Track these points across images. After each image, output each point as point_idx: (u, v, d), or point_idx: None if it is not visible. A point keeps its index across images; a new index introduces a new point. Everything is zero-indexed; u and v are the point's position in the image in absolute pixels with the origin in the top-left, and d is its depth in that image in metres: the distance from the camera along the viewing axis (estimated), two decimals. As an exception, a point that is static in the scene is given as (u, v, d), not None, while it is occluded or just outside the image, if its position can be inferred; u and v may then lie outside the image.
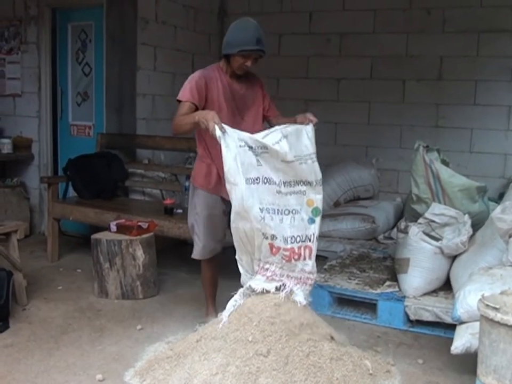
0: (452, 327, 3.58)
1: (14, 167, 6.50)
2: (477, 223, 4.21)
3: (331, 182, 6.27)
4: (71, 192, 5.73)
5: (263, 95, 3.85)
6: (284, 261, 3.15)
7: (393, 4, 6.49)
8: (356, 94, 6.72)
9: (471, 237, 4.09)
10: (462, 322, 3.35)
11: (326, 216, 6.03)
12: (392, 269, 4.68)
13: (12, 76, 6.55)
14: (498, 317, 2.74)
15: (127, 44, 5.88)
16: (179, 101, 3.58)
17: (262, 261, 3.15)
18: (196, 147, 3.85)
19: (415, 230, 4.24)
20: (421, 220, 4.41)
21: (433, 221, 4.35)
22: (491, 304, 2.82)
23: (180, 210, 5.08)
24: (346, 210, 6.09)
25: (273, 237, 3.11)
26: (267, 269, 3.16)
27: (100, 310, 4.29)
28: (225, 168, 3.08)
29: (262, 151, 3.16)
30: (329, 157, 6.43)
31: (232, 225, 3.16)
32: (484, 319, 2.83)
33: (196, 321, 3.99)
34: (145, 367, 3.09)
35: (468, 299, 3.31)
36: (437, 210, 4.37)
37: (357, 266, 4.89)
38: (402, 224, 4.56)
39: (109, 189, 5.67)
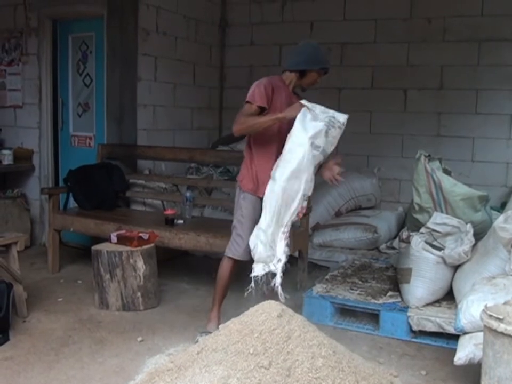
0: (455, 338, 3.56)
1: (15, 178, 6.49)
2: (480, 232, 4.19)
3: (332, 192, 6.25)
4: (72, 203, 5.71)
5: None
6: (296, 218, 3.61)
7: (393, 13, 6.49)
8: (357, 104, 6.71)
9: (474, 247, 4.07)
10: (465, 333, 3.33)
11: (328, 225, 6.03)
12: (394, 279, 4.66)
13: (12, 87, 6.55)
14: (501, 327, 2.71)
15: (128, 54, 5.88)
16: (247, 102, 3.70)
17: (287, 226, 3.55)
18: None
19: (417, 240, 4.23)
20: (423, 230, 4.39)
21: (435, 231, 4.33)
22: (494, 315, 2.80)
23: (180, 221, 5.06)
24: (348, 220, 6.07)
25: (305, 197, 3.53)
26: (287, 231, 3.57)
27: (100, 322, 4.26)
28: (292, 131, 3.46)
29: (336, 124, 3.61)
30: (330, 166, 6.40)
31: (282, 183, 3.46)
32: (487, 329, 2.81)
33: (197, 332, 3.97)
34: (146, 380, 3.05)
35: (471, 309, 3.29)
36: (439, 220, 4.35)
37: (359, 276, 4.86)
38: (404, 234, 4.54)
39: (109, 200, 5.65)
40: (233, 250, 3.88)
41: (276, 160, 3.63)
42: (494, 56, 6.10)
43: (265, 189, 3.66)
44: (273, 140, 3.77)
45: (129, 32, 5.87)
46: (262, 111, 3.69)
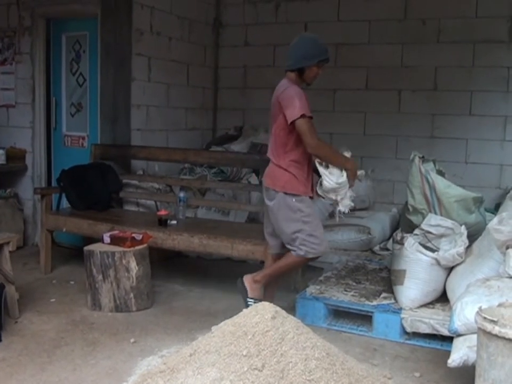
0: (449, 340, 3.56)
1: (8, 178, 6.44)
2: (474, 234, 4.18)
3: (327, 193, 6.23)
4: (65, 203, 5.69)
5: None
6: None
7: (388, 14, 6.49)
8: (352, 105, 6.72)
9: (468, 248, 4.06)
10: (459, 335, 3.31)
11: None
12: (388, 280, 4.65)
13: (5, 87, 6.51)
14: (496, 329, 2.70)
15: (122, 54, 5.86)
16: (303, 116, 3.68)
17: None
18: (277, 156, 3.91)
19: (411, 241, 4.22)
20: (417, 231, 4.38)
21: (430, 232, 4.33)
22: (488, 317, 2.79)
23: (174, 222, 5.04)
24: (341, 221, 6.05)
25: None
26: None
27: (93, 323, 4.24)
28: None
29: None
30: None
31: None
32: (482, 332, 2.80)
33: (191, 334, 3.95)
34: (138, 382, 3.03)
35: (465, 311, 3.27)
36: (433, 221, 4.35)
37: (352, 277, 4.86)
38: (398, 235, 4.53)
39: (103, 200, 5.62)
40: (312, 251, 3.83)
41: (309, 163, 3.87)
42: (489, 58, 6.11)
43: (311, 189, 3.89)
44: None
45: (123, 32, 5.85)
46: None
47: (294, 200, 3.81)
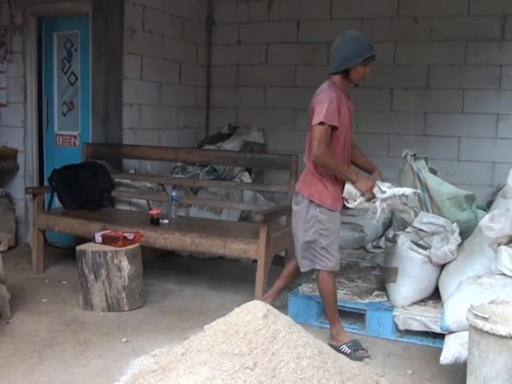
0: (441, 337, 3.56)
1: (-1, 178, 6.43)
2: (466, 232, 4.19)
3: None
4: (57, 203, 5.66)
5: None
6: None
7: (380, 13, 6.48)
8: (344, 103, 6.70)
9: (460, 246, 4.07)
10: (451, 332, 3.32)
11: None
12: (380, 278, 4.66)
13: (-3, 86, 6.49)
14: (487, 327, 2.71)
15: (113, 53, 5.84)
16: (322, 123, 3.61)
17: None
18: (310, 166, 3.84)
19: (403, 239, 4.22)
20: (409, 229, 4.38)
21: (422, 230, 4.33)
22: (480, 314, 2.80)
23: (166, 221, 5.02)
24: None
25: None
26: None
27: (84, 323, 4.22)
28: None
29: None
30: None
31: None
32: (473, 329, 2.80)
33: (183, 333, 3.95)
34: (130, 381, 3.03)
35: (457, 308, 3.28)
36: (425, 219, 4.35)
37: (345, 275, 4.86)
38: (390, 233, 4.53)
39: (94, 200, 5.61)
40: (320, 263, 3.80)
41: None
42: (481, 56, 6.11)
43: (340, 203, 3.79)
44: (344, 158, 3.87)
45: (114, 30, 5.82)
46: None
47: (318, 210, 3.75)
